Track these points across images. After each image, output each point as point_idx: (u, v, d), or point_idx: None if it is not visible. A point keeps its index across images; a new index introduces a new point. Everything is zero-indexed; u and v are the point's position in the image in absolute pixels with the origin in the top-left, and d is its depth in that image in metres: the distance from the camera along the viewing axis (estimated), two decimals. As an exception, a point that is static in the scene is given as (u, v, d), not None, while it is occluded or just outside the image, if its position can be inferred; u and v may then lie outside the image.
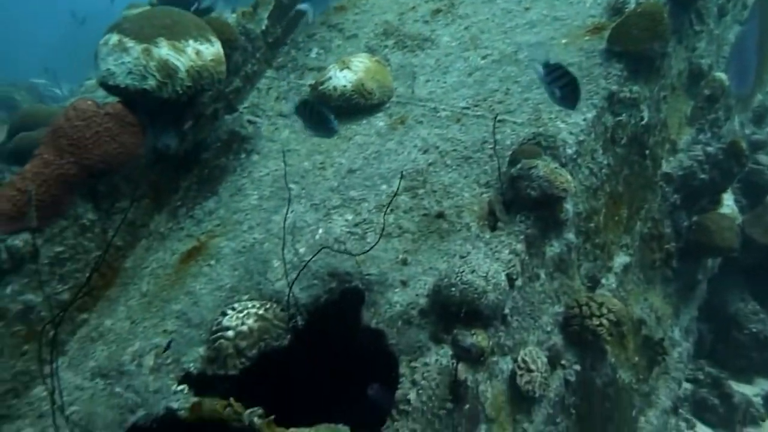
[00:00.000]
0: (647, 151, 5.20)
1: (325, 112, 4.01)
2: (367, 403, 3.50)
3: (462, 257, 3.50)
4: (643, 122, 4.99)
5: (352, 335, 3.67)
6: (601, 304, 4.08)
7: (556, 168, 3.84)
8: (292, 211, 4.31)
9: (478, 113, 4.77)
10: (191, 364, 3.62)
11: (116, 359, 3.70)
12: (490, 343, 3.29)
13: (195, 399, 3.39)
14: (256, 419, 3.22)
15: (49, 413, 3.46)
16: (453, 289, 3.27)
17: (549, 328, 3.96)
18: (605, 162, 4.64)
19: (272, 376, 3.55)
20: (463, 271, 3.31)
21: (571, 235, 4.19)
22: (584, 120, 4.40)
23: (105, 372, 3.65)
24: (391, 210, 4.17)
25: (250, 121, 5.31)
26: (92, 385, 3.60)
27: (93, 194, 3.92)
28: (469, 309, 3.21)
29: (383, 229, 3.90)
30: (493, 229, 3.85)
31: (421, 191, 4.28)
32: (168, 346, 3.64)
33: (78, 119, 3.89)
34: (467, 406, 3.16)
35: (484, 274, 3.30)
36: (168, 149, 4.38)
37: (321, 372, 3.76)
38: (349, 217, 4.25)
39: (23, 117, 6.27)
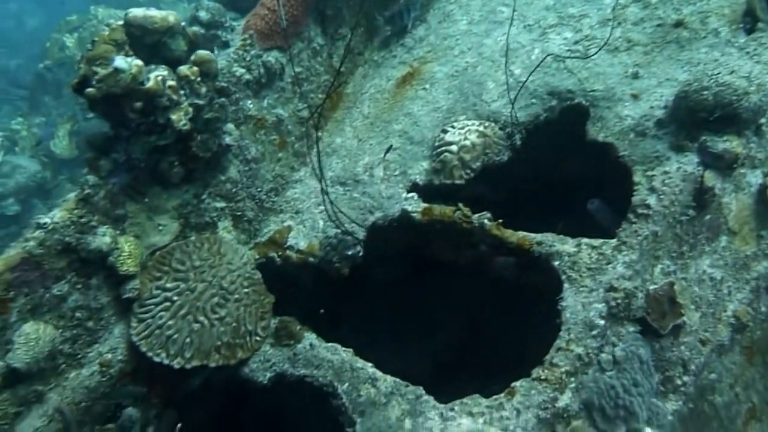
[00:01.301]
0: None
1: None
2: (589, 216, 3.55)
3: (715, 60, 3.13)
4: None
5: (575, 150, 3.64)
6: None
7: None
8: (503, 34, 4.17)
9: None
10: (417, 176, 3.95)
11: (351, 170, 4.18)
12: (743, 151, 3.01)
13: (425, 204, 3.75)
14: (486, 221, 3.48)
15: (303, 209, 4.13)
16: (705, 92, 2.98)
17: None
18: None
19: (495, 188, 3.73)
20: (718, 73, 2.98)
21: None
22: None
23: (342, 181, 4.17)
24: (618, 23, 3.80)
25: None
26: (333, 191, 4.16)
27: (322, 18, 4.19)
28: (723, 113, 2.94)
29: (607, 41, 3.61)
30: (751, 31, 3.32)
31: (654, 0, 3.79)
32: (387, 151, 3.97)
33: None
34: (709, 216, 3.03)
35: (746, 75, 2.93)
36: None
37: (541, 186, 3.85)
38: (568, 35, 3.99)
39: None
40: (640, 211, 3.02)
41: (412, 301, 4.29)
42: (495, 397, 2.77)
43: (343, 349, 3.36)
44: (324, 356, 3.36)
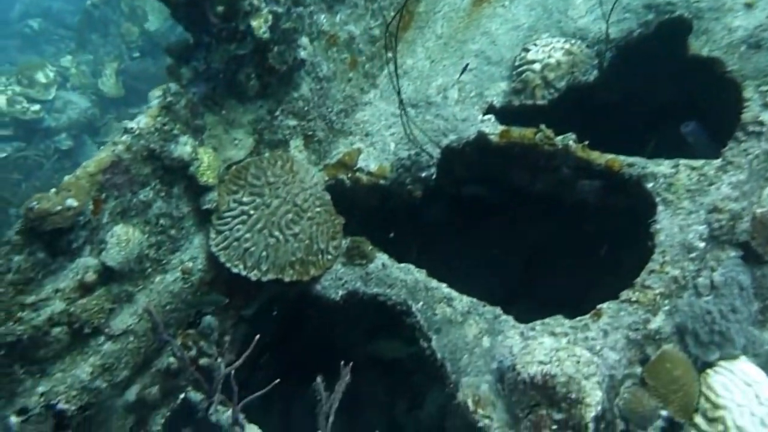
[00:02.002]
0: None
1: None
2: (683, 140, 3.30)
3: None
4: None
5: (670, 69, 3.35)
6: None
7: None
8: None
9: None
10: (494, 98, 3.77)
11: (423, 92, 4.03)
12: None
13: (503, 127, 3.58)
14: (571, 143, 3.30)
15: (373, 132, 4.04)
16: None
17: None
18: None
19: (579, 110, 3.51)
20: None
21: None
22: None
23: (414, 103, 4.04)
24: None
25: None
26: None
27: (398, -72, 3.95)
28: None
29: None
30: None
31: None
32: (464, 70, 3.78)
33: None
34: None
35: None
36: None
37: (631, 107, 3.60)
38: (671, -60, 3.59)
39: None
40: (750, 128, 2.77)
41: (479, 230, 4.21)
42: (579, 318, 2.69)
43: (416, 269, 3.34)
44: (397, 276, 3.35)
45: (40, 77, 9.84)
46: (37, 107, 9.54)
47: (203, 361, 3.40)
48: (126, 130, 2.87)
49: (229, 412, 3.29)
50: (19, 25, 13.14)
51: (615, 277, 2.99)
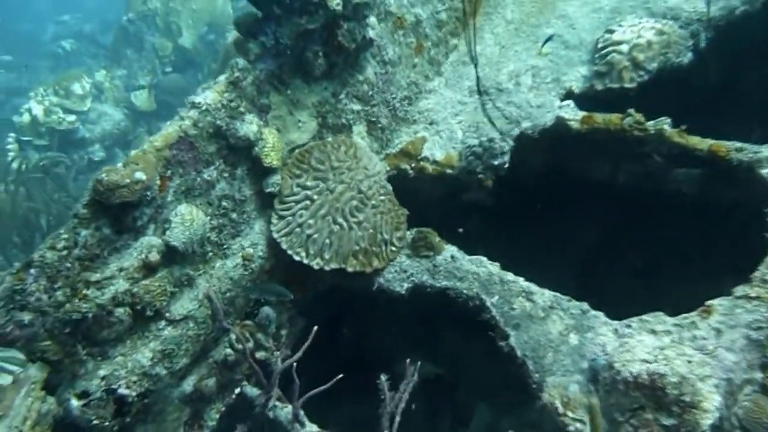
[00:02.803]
0: None
1: None
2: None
3: None
4: None
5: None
6: None
7: None
8: None
9: None
10: (573, 83, 3.59)
11: (492, 79, 3.88)
12: None
13: (584, 112, 3.39)
14: (665, 127, 3.07)
15: (439, 120, 3.90)
16: None
17: None
18: None
19: (672, 95, 3.29)
20: None
21: None
22: None
23: (483, 90, 3.87)
24: None
25: None
26: (472, 101, 3.88)
27: None
28: None
29: None
30: None
31: None
32: (547, 41, 3.61)
33: None
34: None
35: None
36: None
37: (732, 92, 3.35)
38: None
39: None
40: None
41: (550, 225, 3.99)
42: (684, 315, 2.45)
43: (489, 262, 3.16)
44: (468, 269, 3.18)
45: (77, 88, 10.15)
46: (72, 118, 9.86)
47: (260, 354, 3.30)
48: (193, 105, 2.81)
49: (288, 408, 3.18)
50: (52, 46, 13.67)
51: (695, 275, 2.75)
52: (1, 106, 12.07)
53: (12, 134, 9.48)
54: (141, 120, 10.13)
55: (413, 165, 3.82)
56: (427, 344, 3.57)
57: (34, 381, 3.71)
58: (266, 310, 3.37)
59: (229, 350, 3.23)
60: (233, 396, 3.37)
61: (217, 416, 3.27)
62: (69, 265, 2.39)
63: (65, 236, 2.39)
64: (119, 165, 2.53)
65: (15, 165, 7.18)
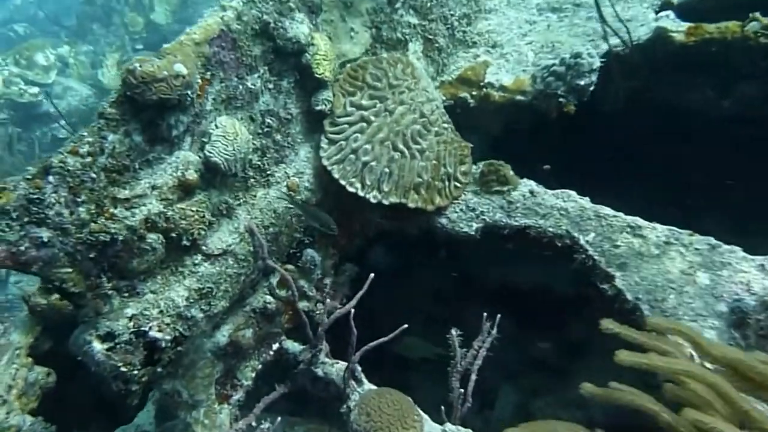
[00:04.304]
0: None
1: None
2: None
3: None
4: None
5: None
6: None
7: None
8: None
9: None
10: (669, -6, 3.22)
11: (568, -6, 3.50)
12: None
13: (689, 23, 3.04)
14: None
15: (503, 42, 3.55)
16: None
17: None
18: None
19: None
20: None
21: None
22: None
23: (555, 6, 3.53)
24: None
25: None
26: (543, 19, 3.53)
27: None
28: None
29: None
30: None
31: None
32: None
33: None
34: None
35: None
36: None
37: None
38: None
39: None
40: None
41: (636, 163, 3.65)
42: None
43: (579, 196, 2.84)
44: (553, 203, 2.86)
45: (40, 59, 9.59)
46: (35, 90, 9.35)
47: (302, 304, 2.98)
48: (237, -7, 2.44)
49: (340, 364, 2.87)
50: (2, 29, 12.99)
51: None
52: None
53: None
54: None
55: (474, 93, 3.48)
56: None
57: (18, 347, 3.39)
58: (310, 252, 3.05)
59: (268, 297, 2.92)
60: (271, 352, 3.07)
61: (253, 375, 2.97)
62: (94, 175, 2.04)
63: (89, 139, 2.03)
64: (153, 56, 2.17)
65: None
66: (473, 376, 2.61)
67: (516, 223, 2.89)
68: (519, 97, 3.32)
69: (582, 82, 3.05)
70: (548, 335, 3.87)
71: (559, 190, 2.88)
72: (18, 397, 3.10)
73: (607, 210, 2.69)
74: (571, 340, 4.01)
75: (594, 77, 3.05)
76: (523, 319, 3.42)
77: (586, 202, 2.77)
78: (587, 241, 2.61)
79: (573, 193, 2.83)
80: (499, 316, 2.67)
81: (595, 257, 2.56)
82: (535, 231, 2.82)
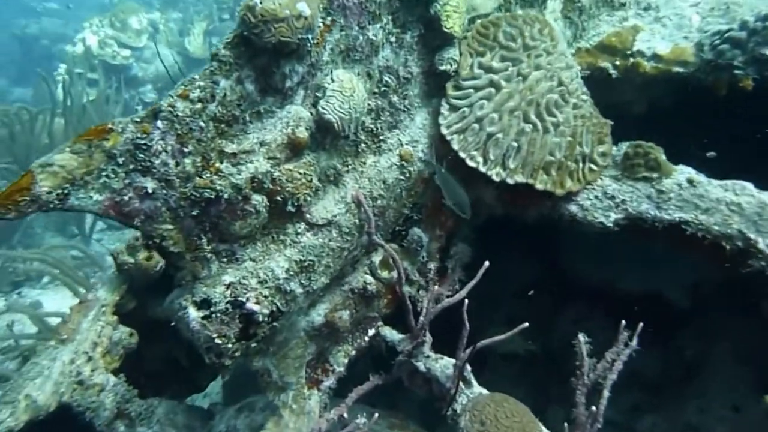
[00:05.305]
0: None
1: None
2: None
3: None
4: None
5: None
6: None
7: None
8: None
9: None
10: None
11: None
12: None
13: None
14: None
15: (658, 4, 3.12)
16: None
17: None
18: None
19: None
20: None
21: None
22: None
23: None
24: None
25: None
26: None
27: None
28: None
29: None
30: None
31: None
32: None
33: None
34: None
35: None
36: None
37: None
38: None
39: None
40: None
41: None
42: None
43: (758, 189, 2.40)
44: (719, 197, 2.44)
45: (133, 22, 9.90)
46: (127, 53, 9.67)
47: (405, 289, 2.76)
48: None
49: (446, 360, 2.64)
50: None
51: None
52: (47, 51, 12.22)
53: (62, 64, 9.44)
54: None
55: (618, 63, 3.08)
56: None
57: (104, 304, 3.41)
58: (417, 231, 2.82)
59: (369, 277, 2.73)
60: (366, 338, 2.89)
61: (345, 361, 2.80)
62: (203, 124, 1.91)
63: (201, 83, 1.90)
64: (272, -5, 1.99)
65: (61, 96, 6.95)
66: (606, 392, 2.28)
67: (668, 217, 2.49)
68: (677, 69, 2.89)
69: None
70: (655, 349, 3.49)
71: (728, 181, 2.46)
72: (102, 356, 3.12)
73: (796, 208, 2.25)
74: (683, 356, 3.62)
75: (783, 45, 2.57)
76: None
77: (766, 196, 2.33)
78: (767, 245, 2.19)
79: (749, 185, 2.40)
80: (641, 324, 2.33)
81: (776, 265, 2.14)
82: (694, 227, 2.42)
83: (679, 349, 3.61)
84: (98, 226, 6.82)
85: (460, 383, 2.45)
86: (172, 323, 2.15)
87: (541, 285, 3.69)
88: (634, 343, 2.32)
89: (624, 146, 2.76)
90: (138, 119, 1.80)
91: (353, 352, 2.81)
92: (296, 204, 2.20)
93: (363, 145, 2.50)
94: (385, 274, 2.73)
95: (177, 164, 1.87)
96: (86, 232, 6.63)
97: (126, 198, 1.78)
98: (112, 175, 1.74)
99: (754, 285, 2.30)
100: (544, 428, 2.18)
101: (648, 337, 3.02)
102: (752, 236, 2.25)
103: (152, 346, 3.33)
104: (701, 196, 2.47)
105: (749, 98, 2.66)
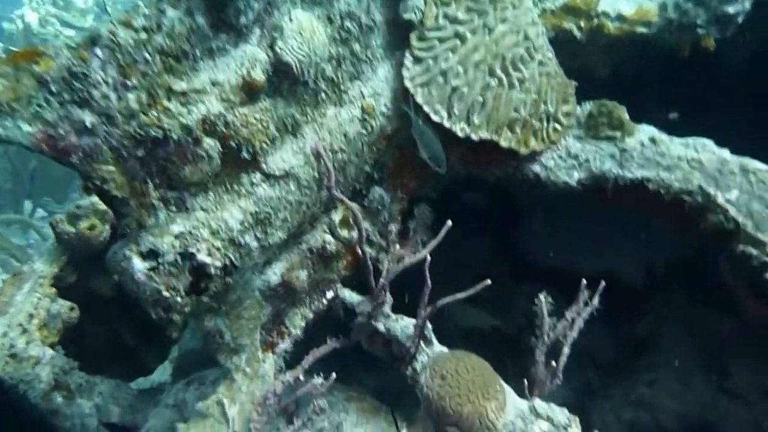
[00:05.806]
0: None
1: None
2: None
3: None
4: None
5: None
6: None
7: None
8: None
9: None
10: None
11: None
12: None
13: None
14: None
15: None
16: None
17: None
18: None
19: None
20: None
21: None
22: None
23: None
24: None
25: None
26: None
27: None
28: None
29: None
30: None
31: None
32: None
33: None
34: None
35: None
36: None
37: None
38: None
39: None
40: None
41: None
42: None
43: (717, 146, 2.44)
44: (681, 154, 2.47)
45: (78, 1, 9.45)
46: (70, 33, 9.18)
47: (366, 250, 2.71)
48: None
49: (406, 320, 2.61)
50: None
51: None
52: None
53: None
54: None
55: (583, 24, 3.08)
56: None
57: (42, 276, 3.23)
58: (379, 190, 2.76)
59: (328, 236, 2.66)
60: (324, 300, 2.83)
61: (302, 324, 2.74)
62: (148, 56, 1.79)
63: (146, 12, 1.77)
64: None
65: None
66: (566, 350, 2.29)
67: (630, 175, 2.52)
68: (641, 29, 2.91)
69: (731, 9, 2.61)
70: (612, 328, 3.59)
71: (689, 138, 2.49)
72: (39, 328, 2.96)
73: (758, 164, 2.29)
74: (635, 334, 3.72)
75: (748, 3, 2.61)
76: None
77: (726, 153, 2.37)
78: (728, 200, 2.23)
79: (710, 142, 2.44)
80: (603, 283, 2.35)
81: (739, 219, 2.18)
82: (656, 185, 2.45)
83: (632, 326, 3.70)
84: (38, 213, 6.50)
85: (421, 342, 2.42)
86: (115, 276, 2.03)
87: (498, 264, 3.71)
88: (595, 302, 2.35)
89: (588, 105, 2.77)
90: (74, 45, 1.66)
91: (311, 315, 2.74)
92: (251, 151, 2.11)
93: (323, 94, 2.40)
94: (345, 233, 2.66)
95: (119, 98, 1.74)
96: (26, 220, 6.30)
97: (61, 132, 1.65)
98: (44, 104, 1.60)
99: (707, 257, 2.34)
100: (504, 383, 2.18)
101: (602, 316, 3.07)
102: (711, 191, 2.28)
103: (95, 323, 3.17)
104: (663, 154, 2.50)
105: (711, 58, 2.70)
